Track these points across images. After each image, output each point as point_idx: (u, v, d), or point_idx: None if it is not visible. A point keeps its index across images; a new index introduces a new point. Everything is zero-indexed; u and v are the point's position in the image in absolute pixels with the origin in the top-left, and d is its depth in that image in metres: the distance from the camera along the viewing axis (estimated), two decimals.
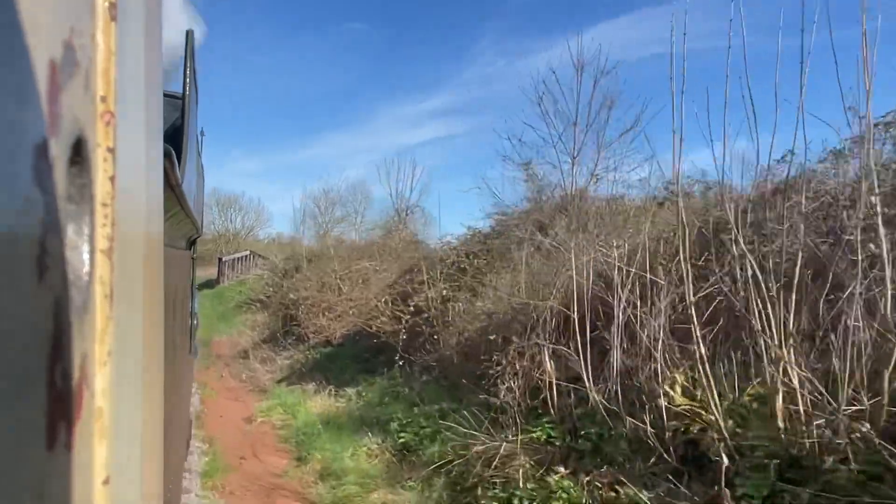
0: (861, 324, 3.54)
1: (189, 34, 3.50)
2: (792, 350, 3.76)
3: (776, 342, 3.80)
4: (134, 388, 0.55)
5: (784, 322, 3.80)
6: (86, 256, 0.41)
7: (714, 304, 4.52)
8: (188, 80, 3.36)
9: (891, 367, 3.39)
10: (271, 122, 60.80)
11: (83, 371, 0.40)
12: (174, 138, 3.06)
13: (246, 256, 28.24)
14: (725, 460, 3.58)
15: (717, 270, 4.47)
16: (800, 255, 3.96)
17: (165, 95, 3.53)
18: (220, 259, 26.51)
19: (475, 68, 50.76)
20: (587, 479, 4.34)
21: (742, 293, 4.14)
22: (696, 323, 4.21)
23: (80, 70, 0.39)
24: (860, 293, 3.55)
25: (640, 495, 3.90)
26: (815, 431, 3.50)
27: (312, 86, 61.04)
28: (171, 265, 2.59)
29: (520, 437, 5.00)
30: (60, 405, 0.36)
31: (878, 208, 3.70)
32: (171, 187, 2.45)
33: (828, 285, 3.92)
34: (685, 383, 4.36)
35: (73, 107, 0.38)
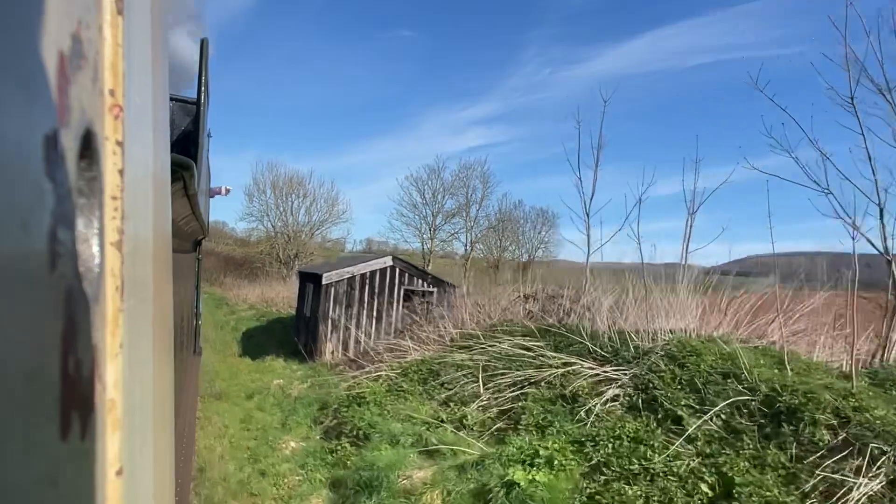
0: None
1: (204, 43, 3.48)
2: None
3: None
4: (145, 379, 0.56)
5: None
6: (96, 249, 0.41)
7: None
8: (203, 87, 3.33)
9: None
10: (317, 126, 60.76)
11: (95, 363, 0.40)
12: (189, 145, 3.07)
13: (383, 272, 12.55)
14: None
15: None
16: None
17: (182, 101, 3.53)
18: (308, 277, 12.57)
19: (520, 76, 50.32)
20: None
21: None
22: None
23: (87, 63, 0.39)
24: None
25: None
26: None
27: (358, 92, 61.09)
28: (177, 267, 2.60)
29: None
30: (74, 396, 0.36)
31: None
32: (188, 196, 2.47)
33: None
34: None
35: (82, 100, 0.38)
